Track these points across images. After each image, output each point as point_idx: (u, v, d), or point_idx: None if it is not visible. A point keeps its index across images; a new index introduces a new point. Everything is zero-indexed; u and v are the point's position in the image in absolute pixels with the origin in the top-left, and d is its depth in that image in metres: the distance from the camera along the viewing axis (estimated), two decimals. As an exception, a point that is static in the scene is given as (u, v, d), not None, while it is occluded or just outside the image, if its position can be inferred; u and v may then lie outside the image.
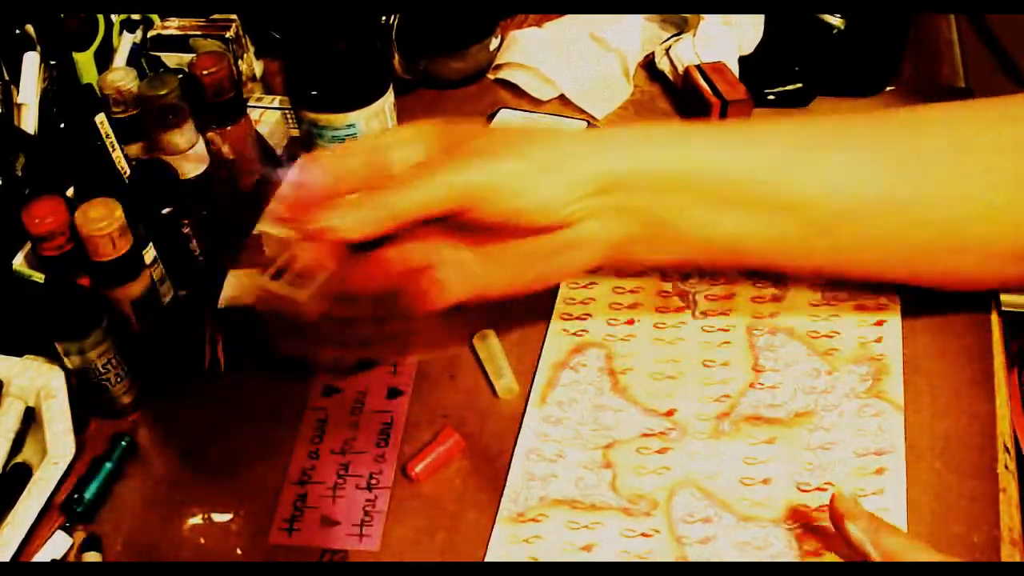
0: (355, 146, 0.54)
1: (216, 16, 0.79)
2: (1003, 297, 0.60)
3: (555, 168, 0.50)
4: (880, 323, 0.59)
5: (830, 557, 0.50)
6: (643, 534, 0.52)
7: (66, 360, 0.58)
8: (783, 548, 0.50)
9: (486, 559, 0.51)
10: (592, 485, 0.54)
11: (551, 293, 0.64)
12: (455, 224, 0.50)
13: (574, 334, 0.62)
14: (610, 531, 0.52)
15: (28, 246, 0.62)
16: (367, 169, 0.50)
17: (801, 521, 0.51)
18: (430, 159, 0.51)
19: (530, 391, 0.59)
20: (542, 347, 0.61)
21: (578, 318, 0.63)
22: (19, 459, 0.59)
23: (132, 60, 0.76)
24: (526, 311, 0.64)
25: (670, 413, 0.57)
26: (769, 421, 0.55)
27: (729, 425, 0.56)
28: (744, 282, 0.63)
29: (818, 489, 0.52)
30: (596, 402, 0.58)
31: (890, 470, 0.52)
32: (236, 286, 0.66)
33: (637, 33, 0.84)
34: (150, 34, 0.77)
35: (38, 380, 0.60)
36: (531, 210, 0.50)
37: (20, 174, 0.65)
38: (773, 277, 0.63)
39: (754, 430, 0.55)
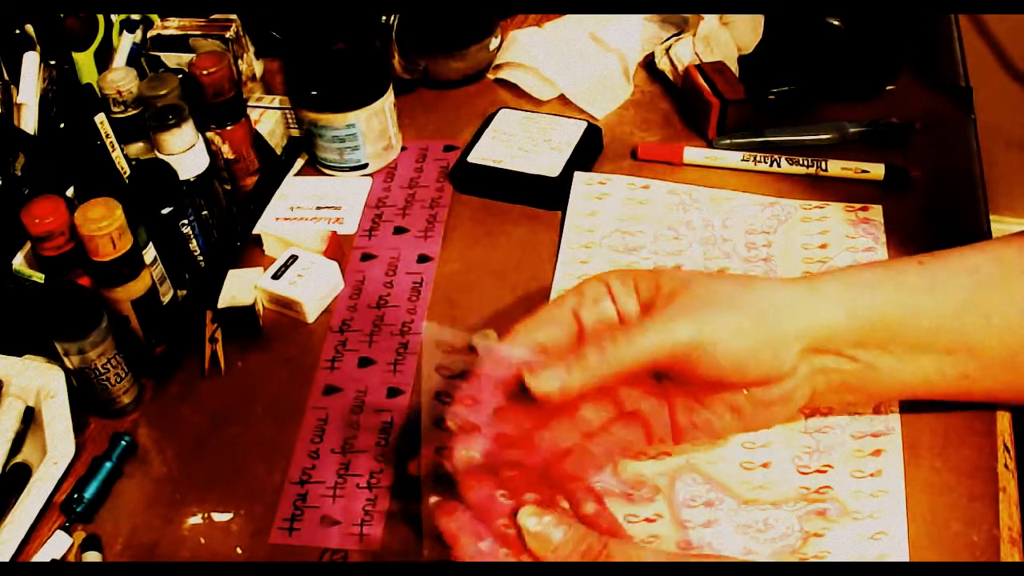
0: (547, 314, 0.51)
1: (216, 16, 0.79)
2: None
3: (770, 322, 0.48)
4: None
5: (832, 539, 0.50)
6: (646, 519, 0.52)
7: (66, 360, 0.58)
8: (785, 530, 0.50)
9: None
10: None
11: (547, 288, 0.65)
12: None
13: None
14: None
15: (28, 246, 0.62)
16: (568, 336, 0.51)
17: (802, 503, 0.51)
18: (633, 319, 0.50)
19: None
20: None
21: None
22: (19, 459, 0.59)
23: (132, 60, 0.76)
24: (525, 311, 0.64)
25: None
26: None
27: None
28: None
29: (818, 471, 0.53)
30: None
31: (887, 452, 0.53)
32: (236, 286, 0.66)
33: (637, 33, 0.85)
34: (150, 34, 0.77)
35: (38, 380, 0.60)
36: (742, 369, 0.48)
37: (20, 174, 0.65)
38: (763, 260, 0.64)
39: None
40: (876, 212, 0.68)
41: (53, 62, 0.70)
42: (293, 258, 0.67)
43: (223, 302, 0.65)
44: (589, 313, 0.51)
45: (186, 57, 0.75)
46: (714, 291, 0.49)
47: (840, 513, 0.51)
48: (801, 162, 0.71)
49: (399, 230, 0.72)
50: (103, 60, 0.74)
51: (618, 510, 0.52)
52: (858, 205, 0.68)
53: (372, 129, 0.74)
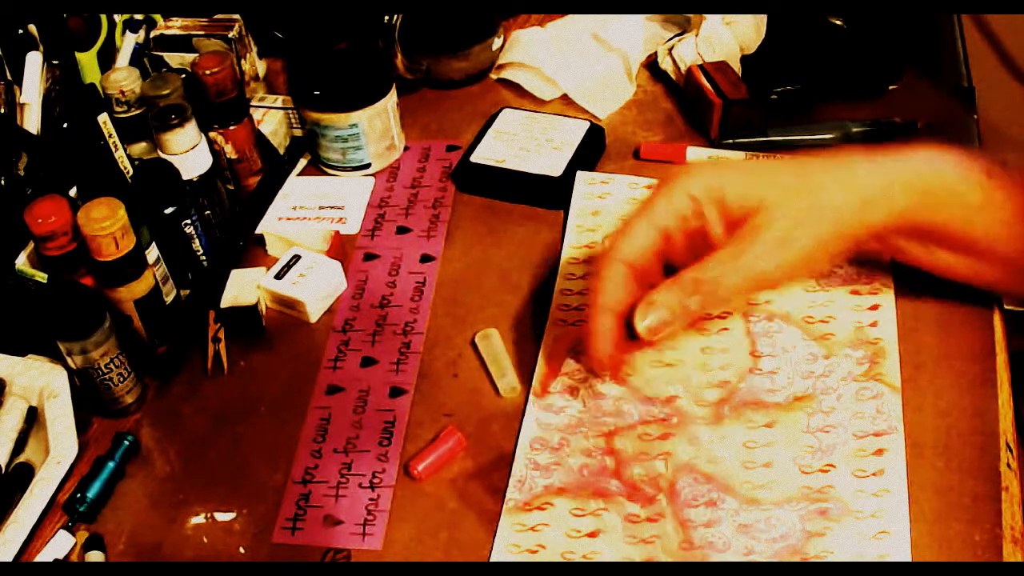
0: (637, 227, 0.55)
1: (219, 16, 0.79)
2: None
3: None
4: (875, 307, 0.60)
5: (834, 538, 0.50)
6: (648, 519, 0.52)
7: (69, 360, 0.58)
8: (786, 530, 0.50)
9: (493, 548, 0.52)
10: (596, 472, 0.54)
11: (549, 287, 0.65)
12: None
13: (572, 324, 0.62)
14: (615, 517, 0.52)
15: (31, 246, 0.62)
16: (654, 250, 0.54)
17: (804, 502, 0.51)
18: (718, 236, 0.54)
19: (530, 382, 0.59)
20: (541, 338, 0.62)
21: (576, 308, 0.63)
22: (21, 458, 0.59)
23: (135, 60, 0.76)
24: (528, 311, 0.64)
25: (670, 400, 0.57)
26: (768, 406, 0.56)
27: (729, 410, 0.56)
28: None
29: (820, 471, 0.53)
30: (596, 390, 0.58)
31: (890, 451, 0.53)
32: (239, 286, 0.66)
33: (639, 33, 0.85)
34: (153, 34, 0.77)
35: (41, 380, 0.60)
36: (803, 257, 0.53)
37: (23, 174, 0.65)
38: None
39: (754, 415, 0.56)
40: (878, 212, 0.67)
41: (56, 62, 0.70)
42: (296, 258, 0.67)
43: (226, 302, 0.65)
44: (676, 228, 0.54)
45: (189, 57, 0.75)
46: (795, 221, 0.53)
47: (842, 512, 0.51)
48: (803, 162, 0.71)
49: (402, 230, 0.72)
50: (106, 60, 0.74)
51: (620, 510, 0.52)
52: (860, 205, 0.68)
53: (375, 129, 0.74)
